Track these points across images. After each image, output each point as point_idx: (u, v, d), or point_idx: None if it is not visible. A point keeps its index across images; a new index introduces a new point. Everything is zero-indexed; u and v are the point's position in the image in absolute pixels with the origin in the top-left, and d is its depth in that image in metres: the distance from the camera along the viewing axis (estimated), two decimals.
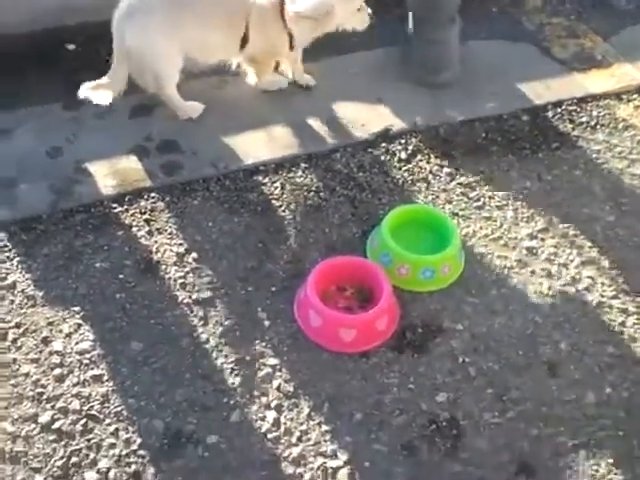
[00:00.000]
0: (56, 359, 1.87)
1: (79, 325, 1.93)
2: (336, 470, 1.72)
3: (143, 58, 2.26)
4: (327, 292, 1.98)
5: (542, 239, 2.19)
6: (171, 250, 2.09)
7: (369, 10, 2.46)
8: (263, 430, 1.77)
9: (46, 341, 1.90)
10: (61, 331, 1.91)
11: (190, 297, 1.99)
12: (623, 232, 2.23)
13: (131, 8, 2.23)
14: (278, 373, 1.86)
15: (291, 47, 2.41)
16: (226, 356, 1.89)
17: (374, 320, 1.90)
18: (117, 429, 1.75)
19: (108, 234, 2.12)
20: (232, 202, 2.22)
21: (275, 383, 1.85)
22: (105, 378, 1.84)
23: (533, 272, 2.11)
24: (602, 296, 2.07)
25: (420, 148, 2.41)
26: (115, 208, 2.18)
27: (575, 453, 1.77)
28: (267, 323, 1.96)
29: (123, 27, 2.23)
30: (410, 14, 2.66)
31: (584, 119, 2.57)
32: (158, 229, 2.14)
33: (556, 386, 1.88)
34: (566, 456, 1.76)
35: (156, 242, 2.11)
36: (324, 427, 1.78)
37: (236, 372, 1.86)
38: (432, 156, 2.39)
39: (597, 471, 1.74)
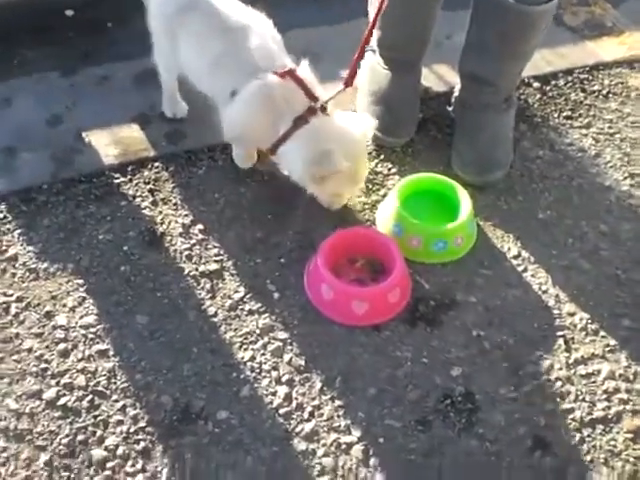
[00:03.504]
0: (60, 334, 1.82)
1: (83, 298, 1.87)
2: (350, 446, 1.68)
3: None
4: (338, 264, 1.93)
5: (557, 210, 2.14)
6: (176, 221, 2.03)
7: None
8: (274, 405, 1.73)
9: (49, 315, 1.84)
10: (65, 305, 1.86)
11: (197, 269, 1.94)
12: (637, 202, 2.18)
13: None
14: (289, 347, 1.82)
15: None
16: (235, 330, 1.84)
17: (386, 293, 1.86)
18: (124, 405, 1.71)
19: (111, 205, 2.06)
20: (238, 171, 2.15)
21: (286, 357, 1.80)
22: (111, 353, 1.79)
23: (547, 244, 2.06)
24: (617, 268, 2.02)
25: (430, 116, 2.35)
26: (118, 178, 2.12)
27: (592, 428, 1.73)
28: (277, 295, 1.91)
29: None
30: None
31: (596, 87, 2.51)
32: (162, 199, 2.08)
33: (572, 360, 1.84)
34: (582, 431, 1.73)
35: (161, 213, 2.05)
36: (337, 402, 1.74)
37: (245, 346, 1.81)
38: (442, 124, 2.33)
39: (615, 447, 1.71)
